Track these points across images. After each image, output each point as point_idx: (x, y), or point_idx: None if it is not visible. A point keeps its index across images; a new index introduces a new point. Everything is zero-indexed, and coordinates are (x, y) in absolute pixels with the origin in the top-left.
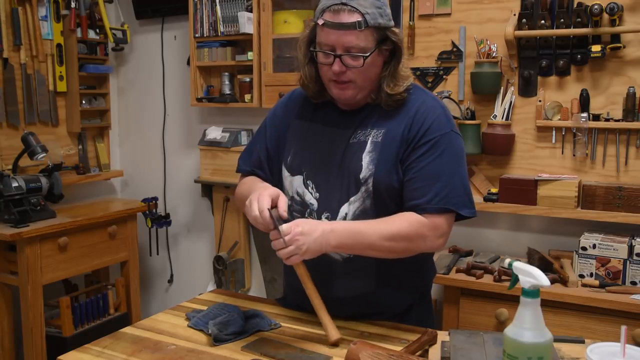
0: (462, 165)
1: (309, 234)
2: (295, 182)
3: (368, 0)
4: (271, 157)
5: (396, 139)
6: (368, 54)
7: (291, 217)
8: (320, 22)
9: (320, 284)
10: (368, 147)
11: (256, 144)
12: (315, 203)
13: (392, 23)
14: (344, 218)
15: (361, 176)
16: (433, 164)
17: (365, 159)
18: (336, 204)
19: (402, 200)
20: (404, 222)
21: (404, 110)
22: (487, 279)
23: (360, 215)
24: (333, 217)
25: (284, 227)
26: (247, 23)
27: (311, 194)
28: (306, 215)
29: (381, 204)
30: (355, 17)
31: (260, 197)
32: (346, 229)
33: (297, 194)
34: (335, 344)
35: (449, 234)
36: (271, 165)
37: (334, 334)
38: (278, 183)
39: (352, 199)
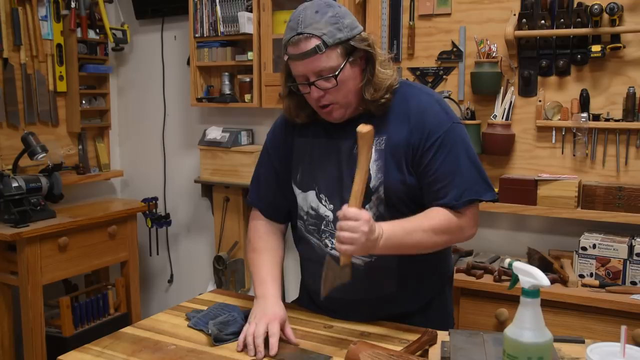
0: (471, 151)
1: (369, 233)
2: (308, 198)
3: (322, 21)
4: (281, 179)
5: (400, 144)
6: (337, 72)
7: (307, 232)
8: (286, 57)
9: (343, 288)
10: (373, 155)
11: (262, 172)
12: (330, 215)
13: (355, 31)
14: None
15: (371, 185)
16: (446, 162)
17: (373, 167)
18: None
19: (416, 203)
20: (442, 216)
21: (399, 114)
22: (487, 279)
23: (377, 221)
24: None
25: (351, 210)
26: (247, 23)
27: (325, 206)
28: (322, 227)
29: (394, 209)
30: (314, 42)
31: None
32: (394, 232)
33: (312, 208)
34: None
35: (478, 219)
36: (282, 191)
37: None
38: (293, 199)
39: (366, 207)
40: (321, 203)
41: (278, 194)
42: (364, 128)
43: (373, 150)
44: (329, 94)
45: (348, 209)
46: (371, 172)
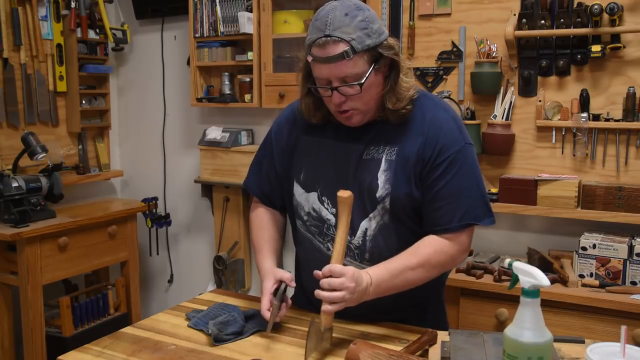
0: (478, 174)
1: (356, 286)
2: (310, 199)
3: (352, 25)
4: (280, 177)
5: (411, 157)
6: (363, 80)
7: (309, 233)
8: (310, 58)
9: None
10: (383, 165)
11: (263, 161)
12: (332, 218)
13: (383, 37)
14: (364, 233)
15: (378, 195)
16: (451, 182)
17: (381, 177)
18: (354, 220)
19: (420, 216)
20: (432, 250)
21: (415, 126)
22: (487, 279)
23: (380, 230)
24: (353, 232)
25: (336, 267)
26: (247, 23)
27: (327, 209)
28: (324, 230)
29: (398, 220)
30: (342, 47)
31: (265, 294)
32: (383, 277)
33: (313, 209)
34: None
35: (471, 244)
36: (280, 185)
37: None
38: (288, 198)
39: (371, 215)
40: (323, 206)
41: (276, 188)
42: (344, 193)
43: (383, 159)
44: (350, 100)
45: (334, 266)
46: (379, 181)
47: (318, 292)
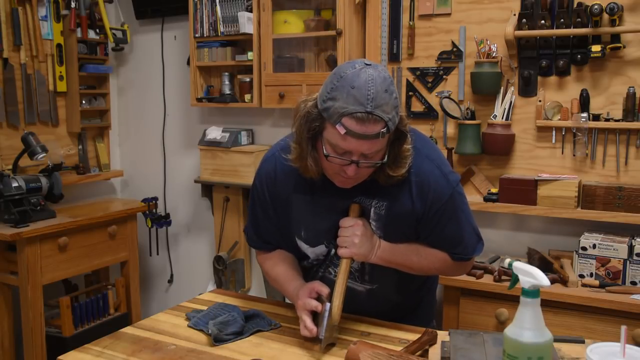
0: (468, 212)
1: (367, 238)
2: (317, 250)
3: (390, 103)
4: (279, 228)
5: (401, 217)
6: (385, 159)
7: (311, 268)
8: (342, 130)
9: (346, 308)
10: (372, 215)
11: (260, 215)
12: (333, 250)
13: (399, 110)
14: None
15: None
16: (447, 228)
17: (372, 224)
18: None
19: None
20: (440, 253)
21: (401, 182)
22: (487, 279)
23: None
24: (361, 263)
25: (347, 219)
26: (247, 23)
27: (334, 247)
28: (327, 262)
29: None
30: (380, 127)
31: (304, 316)
32: (392, 248)
33: (321, 255)
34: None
35: (471, 267)
36: (284, 235)
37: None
38: (291, 242)
39: None
40: (332, 245)
41: (279, 238)
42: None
43: (372, 211)
44: (361, 171)
45: (344, 219)
46: (371, 227)
47: (338, 241)
